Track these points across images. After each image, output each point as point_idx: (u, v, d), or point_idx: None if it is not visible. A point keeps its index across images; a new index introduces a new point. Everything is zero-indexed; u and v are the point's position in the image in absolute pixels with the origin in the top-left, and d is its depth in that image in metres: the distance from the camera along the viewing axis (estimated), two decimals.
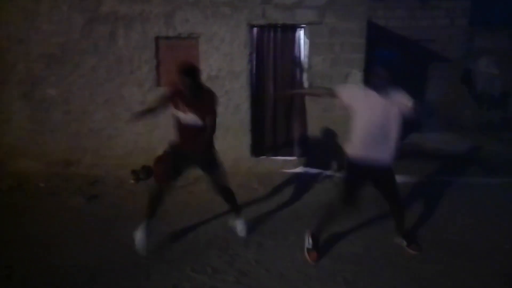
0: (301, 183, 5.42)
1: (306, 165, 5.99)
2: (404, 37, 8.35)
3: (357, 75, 5.69)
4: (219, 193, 3.73)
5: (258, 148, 6.09)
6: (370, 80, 3.02)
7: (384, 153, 3.07)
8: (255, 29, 5.76)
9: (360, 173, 3.19)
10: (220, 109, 5.75)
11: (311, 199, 4.83)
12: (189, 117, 3.34)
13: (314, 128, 5.97)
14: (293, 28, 5.79)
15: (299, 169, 5.91)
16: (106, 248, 3.53)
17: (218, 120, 3.31)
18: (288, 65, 5.95)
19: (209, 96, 3.43)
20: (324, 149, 5.97)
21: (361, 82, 5.72)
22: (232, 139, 5.77)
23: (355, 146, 3.14)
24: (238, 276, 3.09)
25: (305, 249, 3.40)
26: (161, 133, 5.79)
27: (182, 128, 3.44)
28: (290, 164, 5.98)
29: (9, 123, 5.75)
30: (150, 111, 3.48)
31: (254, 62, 5.87)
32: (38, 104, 5.73)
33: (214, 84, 5.69)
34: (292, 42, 5.88)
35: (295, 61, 5.89)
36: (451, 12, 8.65)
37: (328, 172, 5.78)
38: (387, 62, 2.95)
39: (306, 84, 5.87)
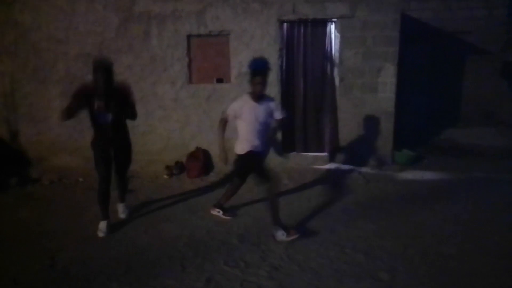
0: (332, 180, 5.38)
1: (337, 161, 5.93)
2: (439, 29, 8.07)
3: (390, 69, 5.57)
4: (117, 179, 3.96)
5: (288, 144, 6.08)
6: (251, 89, 3.69)
7: (263, 144, 3.83)
8: (285, 25, 5.74)
9: (253, 163, 3.76)
10: None
11: (342, 196, 4.78)
12: (103, 115, 3.28)
13: (345, 124, 5.90)
14: (324, 22, 5.73)
15: (330, 165, 5.86)
16: (141, 241, 3.64)
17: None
18: (318, 60, 5.89)
19: (123, 89, 3.46)
20: (356, 145, 5.89)
21: (394, 76, 5.60)
22: None
23: (245, 144, 3.74)
24: (270, 271, 3.11)
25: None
26: (192, 129, 5.89)
27: (98, 126, 3.48)
28: (321, 160, 5.94)
29: (50, 120, 6.00)
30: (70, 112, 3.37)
31: (284, 58, 5.85)
32: None
33: (244, 81, 5.72)
34: (322, 36, 5.82)
35: (326, 56, 5.83)
36: (488, 2, 8.27)
37: (362, 169, 5.70)
38: (261, 70, 3.65)
39: (337, 79, 5.81)
